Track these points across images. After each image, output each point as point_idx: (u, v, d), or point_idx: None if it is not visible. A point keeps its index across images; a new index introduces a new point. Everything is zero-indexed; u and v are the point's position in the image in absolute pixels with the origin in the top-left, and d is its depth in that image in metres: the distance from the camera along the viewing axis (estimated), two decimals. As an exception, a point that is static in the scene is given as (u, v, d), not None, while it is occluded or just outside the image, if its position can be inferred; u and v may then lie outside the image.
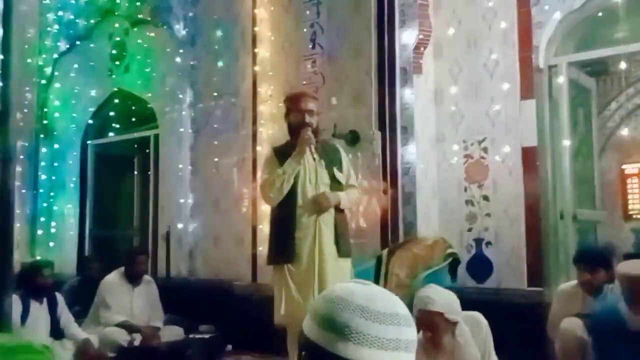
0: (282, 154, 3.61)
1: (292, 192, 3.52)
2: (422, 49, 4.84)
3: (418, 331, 2.67)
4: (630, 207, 8.69)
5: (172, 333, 5.13)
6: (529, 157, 4.51)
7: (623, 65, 5.41)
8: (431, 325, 2.84)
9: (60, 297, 4.81)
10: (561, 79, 4.56)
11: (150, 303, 5.19)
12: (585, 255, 3.67)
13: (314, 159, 3.58)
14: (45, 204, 7.79)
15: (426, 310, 2.82)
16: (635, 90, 8.47)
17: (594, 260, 3.57)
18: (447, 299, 2.92)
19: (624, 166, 8.70)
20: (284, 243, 3.53)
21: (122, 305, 5.03)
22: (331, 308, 1.01)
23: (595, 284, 3.50)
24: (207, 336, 5.25)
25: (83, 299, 5.25)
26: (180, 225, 6.35)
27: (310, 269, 3.45)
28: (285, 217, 3.55)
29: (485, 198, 4.68)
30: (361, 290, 1.04)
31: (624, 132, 8.53)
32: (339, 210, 3.61)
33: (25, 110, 7.66)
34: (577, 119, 4.88)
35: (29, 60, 7.81)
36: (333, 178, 3.61)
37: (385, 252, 4.23)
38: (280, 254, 3.56)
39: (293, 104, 3.68)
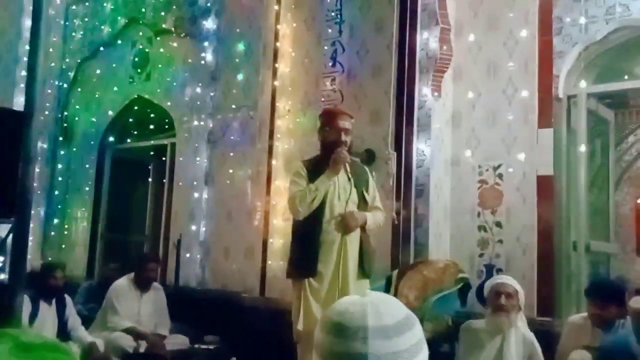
0: (312, 167, 3.60)
1: (319, 208, 3.50)
2: (442, 72, 4.86)
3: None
4: (643, 241, 8.61)
5: (178, 342, 5.13)
6: (544, 186, 4.50)
7: (643, 98, 5.41)
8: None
9: (69, 299, 4.84)
10: (580, 109, 4.55)
11: (157, 310, 5.20)
12: (597, 289, 3.63)
13: (349, 179, 3.57)
14: (59, 206, 7.86)
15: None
16: (653, 124, 8.43)
17: (606, 295, 3.53)
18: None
19: (639, 200, 8.64)
20: (306, 257, 3.50)
21: (130, 311, 5.04)
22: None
23: (606, 318, 3.47)
24: (212, 347, 5.25)
25: (94, 302, 5.29)
26: (191, 235, 6.38)
27: (333, 287, 3.43)
28: (309, 232, 3.53)
29: (498, 224, 4.66)
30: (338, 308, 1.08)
31: (641, 165, 8.47)
32: (364, 230, 3.61)
33: (46, 112, 7.77)
34: (594, 150, 4.87)
35: (52, 64, 7.94)
36: (361, 198, 3.61)
37: (395, 272, 4.22)
38: (302, 268, 3.54)
39: (329, 120, 3.68)
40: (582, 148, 4.55)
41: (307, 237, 3.55)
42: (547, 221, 4.46)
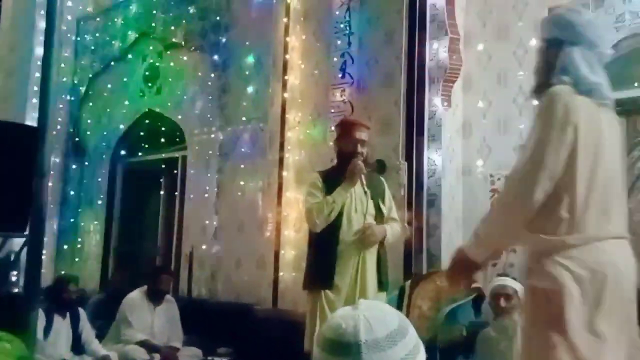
0: (328, 179, 3.59)
1: (336, 220, 3.49)
2: (451, 82, 4.86)
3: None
4: (657, 249, 8.52)
5: (191, 354, 5.13)
6: (556, 194, 4.47)
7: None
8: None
9: (82, 313, 4.86)
10: (591, 117, 4.53)
11: (170, 323, 5.21)
12: None
13: (365, 191, 3.56)
14: (72, 220, 7.91)
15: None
16: (665, 131, 8.37)
17: None
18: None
19: (652, 207, 8.56)
20: (323, 269, 3.48)
21: (143, 323, 5.05)
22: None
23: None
24: (225, 359, 5.24)
25: (105, 316, 5.30)
26: (203, 247, 6.39)
27: (350, 299, 3.39)
28: (326, 244, 3.50)
29: (511, 233, 4.63)
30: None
31: (653, 172, 8.41)
32: (381, 243, 3.59)
33: (59, 127, 7.84)
34: (606, 157, 4.83)
35: (64, 79, 8.02)
36: (378, 209, 3.60)
37: (408, 283, 4.21)
38: (318, 279, 3.51)
39: (346, 131, 3.66)
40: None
41: (324, 249, 3.53)
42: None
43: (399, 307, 4.00)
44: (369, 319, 1.06)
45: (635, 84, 4.82)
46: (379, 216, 3.60)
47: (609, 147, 2.05)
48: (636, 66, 4.69)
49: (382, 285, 3.56)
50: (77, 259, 7.73)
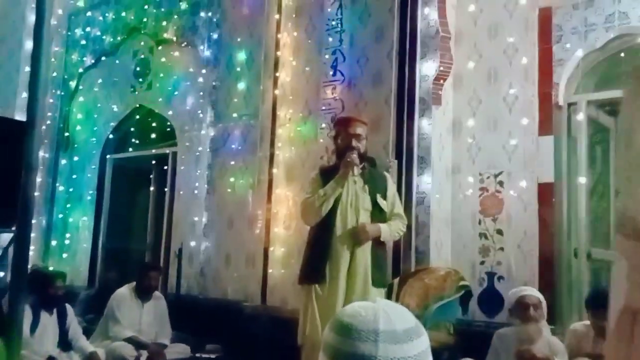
0: (327, 175, 3.66)
1: (332, 215, 3.53)
2: (442, 80, 4.87)
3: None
4: (645, 248, 8.59)
5: (179, 351, 5.12)
6: (545, 193, 4.50)
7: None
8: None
9: (70, 309, 4.83)
10: (580, 117, 4.56)
11: (158, 319, 5.20)
12: (596, 301, 3.60)
13: (354, 182, 3.59)
14: (60, 215, 7.87)
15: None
16: (654, 131, 8.43)
17: (606, 305, 3.51)
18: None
19: None
20: (315, 264, 3.55)
21: (131, 320, 5.04)
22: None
23: (607, 327, 3.44)
24: (213, 356, 5.23)
25: (94, 311, 5.29)
26: (192, 243, 6.38)
27: (335, 294, 3.44)
28: (319, 239, 3.57)
29: (499, 232, 4.66)
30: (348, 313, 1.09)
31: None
32: (378, 241, 3.61)
33: (48, 122, 7.80)
34: (594, 157, 4.87)
35: (54, 74, 7.97)
36: (375, 205, 3.61)
37: (396, 280, 4.21)
38: (309, 274, 3.58)
39: (342, 128, 3.76)
40: (583, 155, 4.55)
41: (317, 243, 3.59)
42: (548, 228, 4.46)
43: (387, 304, 4.00)
44: (388, 311, 1.07)
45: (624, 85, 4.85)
46: (377, 212, 3.62)
47: None
48: (625, 67, 4.72)
49: (375, 281, 3.56)
50: (65, 255, 7.69)
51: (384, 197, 3.66)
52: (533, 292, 3.70)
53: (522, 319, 3.55)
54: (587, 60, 4.56)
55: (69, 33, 8.20)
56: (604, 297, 3.60)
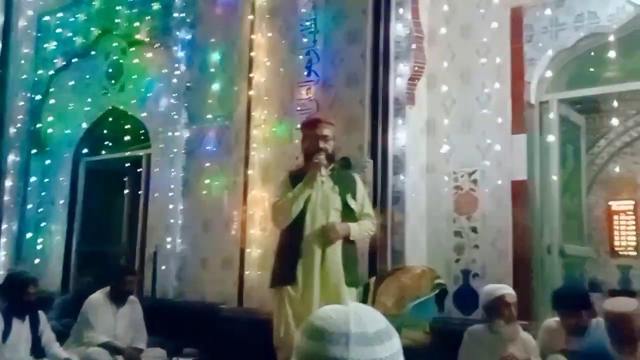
0: (296, 178, 3.64)
1: (302, 216, 3.52)
2: (416, 80, 4.90)
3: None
4: (616, 243, 8.76)
5: (155, 355, 5.06)
6: (519, 191, 4.56)
7: (612, 103, 5.50)
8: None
9: (42, 315, 4.74)
10: (552, 115, 4.63)
11: (134, 324, 5.12)
12: (561, 300, 3.63)
13: (323, 183, 3.58)
14: (33, 220, 7.73)
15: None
16: (624, 128, 8.60)
17: (571, 304, 3.54)
18: None
19: (611, 203, 8.78)
20: (286, 266, 3.53)
21: (106, 325, 4.96)
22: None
23: (577, 324, 3.49)
24: (190, 359, 5.19)
25: (70, 316, 5.20)
26: (168, 246, 6.32)
27: (312, 296, 3.43)
28: (290, 240, 3.56)
29: (474, 230, 4.70)
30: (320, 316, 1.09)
31: (612, 169, 8.64)
32: (348, 240, 3.61)
33: (19, 125, 7.65)
34: (566, 154, 4.94)
35: (24, 76, 7.82)
36: (345, 205, 3.61)
37: (372, 280, 4.23)
38: (281, 276, 3.56)
39: (308, 130, 3.72)
40: (555, 153, 4.62)
41: (287, 245, 3.58)
42: (522, 226, 4.52)
43: (363, 303, 4.01)
44: (359, 313, 1.07)
45: (594, 84, 4.94)
46: (347, 212, 3.61)
47: None
48: (595, 66, 4.80)
49: (348, 281, 3.57)
50: (38, 260, 7.55)
51: (354, 197, 3.67)
52: (511, 290, 3.71)
53: (501, 317, 3.54)
54: (558, 59, 4.62)
55: (39, 34, 8.05)
56: (566, 298, 3.65)
